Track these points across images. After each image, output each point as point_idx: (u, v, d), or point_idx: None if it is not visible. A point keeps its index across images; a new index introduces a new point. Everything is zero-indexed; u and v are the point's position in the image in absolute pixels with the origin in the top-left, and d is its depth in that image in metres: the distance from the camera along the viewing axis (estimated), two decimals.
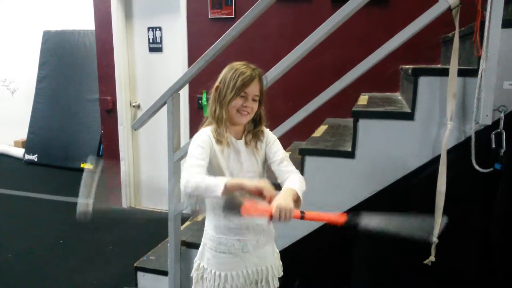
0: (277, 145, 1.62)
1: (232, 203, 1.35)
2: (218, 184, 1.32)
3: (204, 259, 1.64)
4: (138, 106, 4.20)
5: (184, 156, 2.51)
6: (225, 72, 1.53)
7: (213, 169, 1.51)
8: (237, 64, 1.53)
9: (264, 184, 1.33)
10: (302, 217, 1.34)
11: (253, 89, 1.51)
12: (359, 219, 1.33)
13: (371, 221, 1.32)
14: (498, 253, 1.98)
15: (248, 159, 1.56)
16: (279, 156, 1.57)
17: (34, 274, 2.95)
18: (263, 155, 1.60)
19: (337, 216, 1.36)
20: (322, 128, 2.76)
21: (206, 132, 1.54)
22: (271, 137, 1.63)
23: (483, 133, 1.80)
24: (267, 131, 1.64)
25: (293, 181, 1.47)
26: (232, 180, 1.35)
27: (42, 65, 5.90)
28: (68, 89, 5.70)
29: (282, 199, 1.32)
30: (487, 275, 2.08)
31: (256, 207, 1.33)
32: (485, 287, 2.09)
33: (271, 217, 1.30)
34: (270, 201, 1.31)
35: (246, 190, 1.33)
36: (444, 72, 1.83)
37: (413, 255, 1.97)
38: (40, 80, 5.93)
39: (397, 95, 2.87)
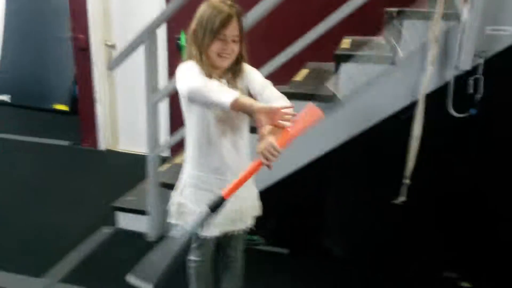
0: (256, 75, 1.58)
1: (215, 203, 1.38)
2: (228, 94, 1.29)
3: (183, 195, 1.65)
4: (113, 46, 4.04)
5: (162, 98, 2.47)
6: (201, 12, 1.45)
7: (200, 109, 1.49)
8: (214, 2, 1.45)
9: (272, 107, 1.32)
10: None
11: (232, 30, 1.43)
12: None
13: None
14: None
15: None
16: (260, 85, 1.54)
17: (9, 217, 2.92)
18: (246, 91, 1.56)
19: (315, 115, 1.39)
20: (304, 72, 2.73)
21: (194, 65, 1.46)
22: (248, 70, 1.58)
23: (462, 79, 1.82)
24: (244, 65, 1.58)
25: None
26: (244, 98, 1.32)
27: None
28: (39, 25, 5.40)
29: (262, 141, 1.31)
30: (459, 219, 2.18)
31: (242, 177, 1.36)
32: (459, 229, 2.20)
33: (261, 165, 1.33)
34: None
35: (255, 111, 1.30)
36: (429, 16, 1.81)
37: (386, 194, 2.04)
38: (8, 14, 5.58)
39: (381, 39, 2.83)
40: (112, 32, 4.03)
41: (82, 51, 4.03)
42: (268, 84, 1.55)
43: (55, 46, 5.32)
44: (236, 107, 1.29)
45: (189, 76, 1.38)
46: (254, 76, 1.57)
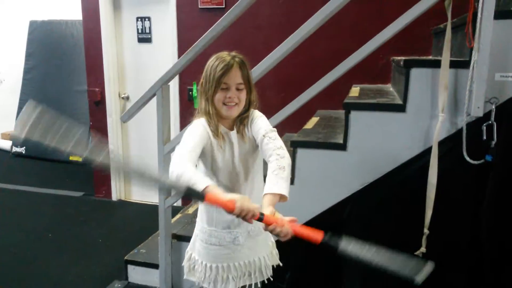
0: (260, 122, 1.51)
1: (193, 191, 1.22)
2: (199, 186, 1.21)
3: (195, 250, 1.63)
4: (127, 98, 4.15)
5: (174, 149, 2.49)
6: (207, 64, 1.49)
7: (207, 160, 1.50)
8: (218, 54, 1.49)
9: (237, 200, 1.18)
10: (260, 219, 1.20)
11: (234, 78, 1.45)
12: (337, 242, 1.19)
13: (349, 247, 1.19)
14: (488, 245, 1.99)
15: (238, 146, 1.52)
16: (261, 133, 1.46)
17: (24, 268, 2.90)
18: (252, 136, 1.52)
19: (312, 233, 1.21)
20: (314, 120, 2.75)
21: (202, 124, 1.48)
22: (255, 116, 1.54)
23: (474, 125, 1.80)
24: (252, 111, 1.55)
25: (270, 180, 1.33)
26: (212, 191, 1.21)
27: (28, 56, 5.78)
28: (56, 80, 5.60)
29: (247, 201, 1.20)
30: (476, 265, 2.09)
31: (219, 198, 1.20)
32: (475, 277, 2.10)
33: (230, 211, 1.19)
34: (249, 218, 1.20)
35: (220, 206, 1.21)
36: (436, 64, 1.83)
37: (405, 246, 1.97)
38: (27, 71, 5.81)
39: (389, 87, 2.87)
40: (127, 84, 4.15)
41: (97, 104, 4.13)
42: (270, 133, 1.45)
43: (71, 99, 5.48)
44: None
45: (175, 160, 1.34)
46: (258, 125, 1.50)
